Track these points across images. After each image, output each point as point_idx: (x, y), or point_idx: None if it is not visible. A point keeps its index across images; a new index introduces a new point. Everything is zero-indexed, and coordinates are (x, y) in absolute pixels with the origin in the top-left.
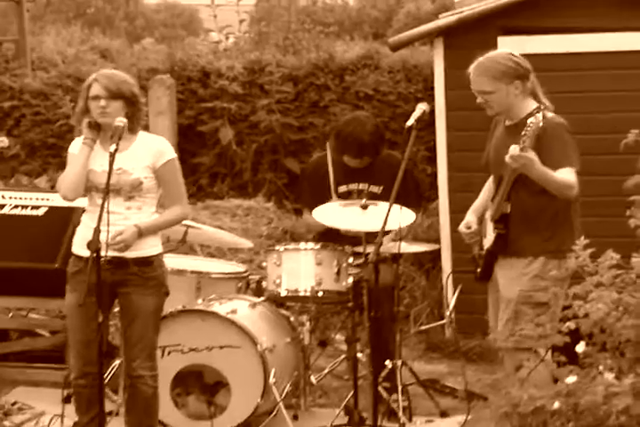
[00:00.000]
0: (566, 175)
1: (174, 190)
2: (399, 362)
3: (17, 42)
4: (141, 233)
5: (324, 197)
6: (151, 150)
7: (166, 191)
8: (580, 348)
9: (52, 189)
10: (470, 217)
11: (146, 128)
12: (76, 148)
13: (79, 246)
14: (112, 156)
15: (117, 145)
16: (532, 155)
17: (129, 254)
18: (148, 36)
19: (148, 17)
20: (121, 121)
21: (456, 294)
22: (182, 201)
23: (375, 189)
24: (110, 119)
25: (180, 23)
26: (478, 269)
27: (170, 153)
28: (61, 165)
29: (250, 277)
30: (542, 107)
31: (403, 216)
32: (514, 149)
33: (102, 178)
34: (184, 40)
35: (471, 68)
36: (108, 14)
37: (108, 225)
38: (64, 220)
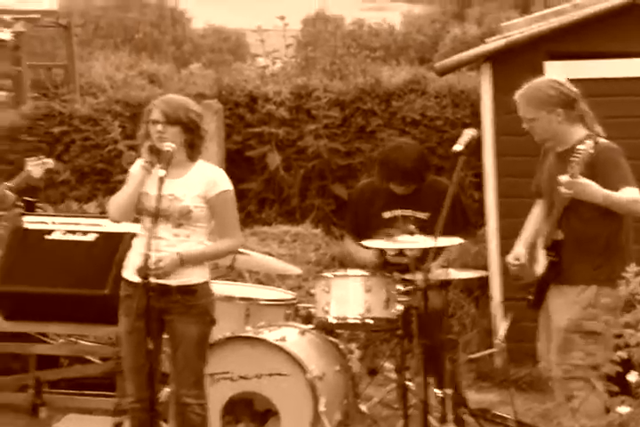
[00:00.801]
0: (630, 193)
1: (225, 222)
2: (450, 391)
3: (66, 67)
4: (183, 262)
5: (368, 224)
6: (205, 180)
7: (218, 222)
8: (633, 377)
9: (102, 214)
10: (519, 249)
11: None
12: (134, 168)
13: (128, 271)
14: (160, 181)
15: (166, 170)
16: (584, 180)
17: (172, 282)
18: (195, 61)
19: (195, 42)
20: (169, 146)
21: (507, 323)
22: (234, 233)
23: (421, 215)
24: (171, 145)
25: (227, 48)
26: (530, 297)
27: (224, 184)
28: (110, 191)
29: (299, 304)
30: (593, 134)
31: (450, 242)
32: (564, 178)
33: (153, 202)
34: (231, 65)
35: (516, 95)
36: (156, 39)
37: (151, 249)
38: (113, 245)
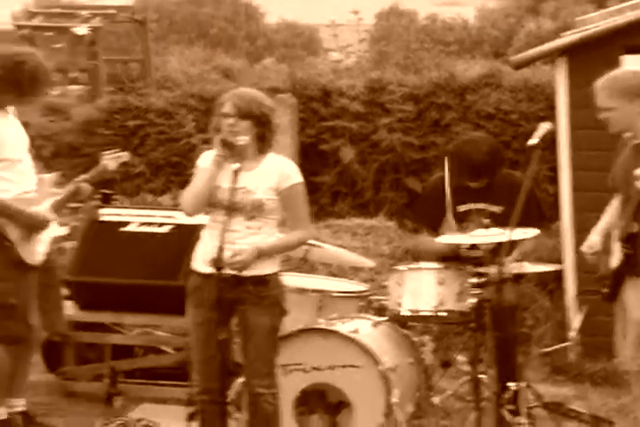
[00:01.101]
0: None
1: (297, 214)
2: (523, 384)
3: (142, 62)
4: (260, 254)
5: (441, 217)
6: (277, 172)
7: (289, 214)
8: None
9: (176, 206)
10: (594, 237)
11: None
12: (204, 162)
13: (198, 262)
14: (235, 174)
15: (240, 163)
16: None
17: (245, 273)
18: (268, 56)
19: (268, 37)
20: (243, 139)
21: (582, 316)
22: (305, 225)
23: (495, 208)
24: (244, 140)
25: (300, 43)
26: (605, 290)
27: (296, 177)
28: (185, 184)
29: (371, 296)
30: None
31: (525, 235)
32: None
33: (226, 194)
34: (304, 60)
35: (596, 84)
36: (230, 34)
37: (225, 242)
38: (187, 237)
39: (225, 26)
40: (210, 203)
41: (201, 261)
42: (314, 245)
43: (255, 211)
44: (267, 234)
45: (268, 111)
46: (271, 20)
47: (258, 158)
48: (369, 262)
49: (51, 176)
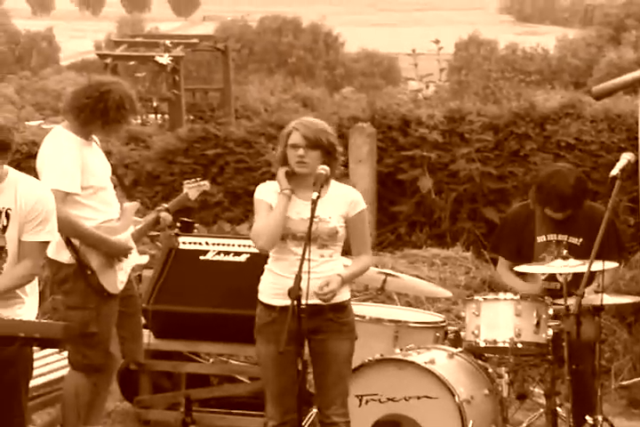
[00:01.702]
0: None
1: (363, 240)
2: (600, 417)
3: (222, 91)
4: (343, 282)
5: (521, 248)
6: (346, 200)
7: (355, 240)
8: None
9: None
10: None
11: (345, 176)
12: (263, 194)
13: (268, 295)
14: (314, 203)
15: (319, 193)
16: None
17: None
18: (347, 85)
19: (347, 66)
20: (324, 169)
21: None
22: (368, 250)
23: (574, 240)
24: (307, 169)
25: (380, 72)
26: None
27: (362, 203)
28: None
29: (448, 327)
30: None
31: (604, 267)
32: None
33: (300, 225)
34: (383, 89)
35: None
36: (309, 63)
37: (302, 271)
38: (264, 266)
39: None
40: (282, 235)
41: (268, 293)
42: (391, 275)
43: (330, 239)
44: (337, 260)
45: (335, 140)
46: (350, 49)
47: (326, 188)
48: (446, 293)
49: (132, 204)
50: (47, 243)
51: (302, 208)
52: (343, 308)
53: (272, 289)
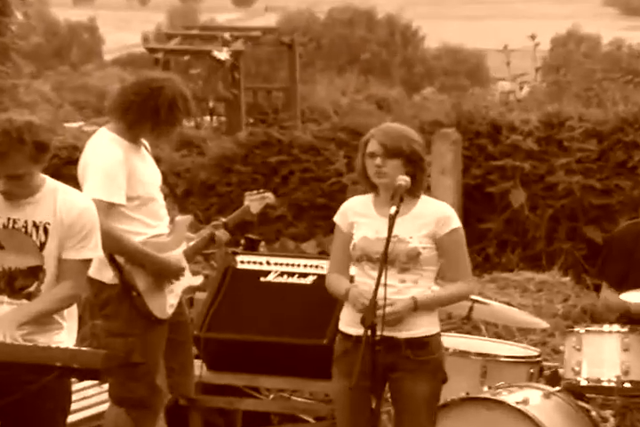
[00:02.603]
0: None
1: (457, 264)
2: None
3: (287, 90)
4: (417, 307)
5: (630, 273)
6: (433, 217)
7: (448, 264)
8: None
9: (321, 254)
10: None
11: (427, 188)
12: (342, 216)
13: (345, 323)
14: (392, 219)
15: (398, 207)
16: None
17: (400, 334)
18: (427, 85)
19: (427, 63)
20: (403, 180)
21: None
22: (466, 276)
23: None
24: (386, 179)
25: (464, 70)
26: None
27: (455, 221)
28: (332, 229)
29: (543, 362)
30: None
31: None
32: None
33: (376, 246)
34: (469, 90)
35: None
36: (384, 60)
37: (376, 297)
38: None
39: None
40: (356, 256)
41: (349, 321)
42: (478, 302)
43: (411, 262)
44: (424, 288)
45: (419, 148)
46: (431, 44)
47: (409, 202)
48: (541, 323)
49: (184, 218)
50: (90, 261)
51: (381, 226)
52: (423, 344)
53: (350, 316)
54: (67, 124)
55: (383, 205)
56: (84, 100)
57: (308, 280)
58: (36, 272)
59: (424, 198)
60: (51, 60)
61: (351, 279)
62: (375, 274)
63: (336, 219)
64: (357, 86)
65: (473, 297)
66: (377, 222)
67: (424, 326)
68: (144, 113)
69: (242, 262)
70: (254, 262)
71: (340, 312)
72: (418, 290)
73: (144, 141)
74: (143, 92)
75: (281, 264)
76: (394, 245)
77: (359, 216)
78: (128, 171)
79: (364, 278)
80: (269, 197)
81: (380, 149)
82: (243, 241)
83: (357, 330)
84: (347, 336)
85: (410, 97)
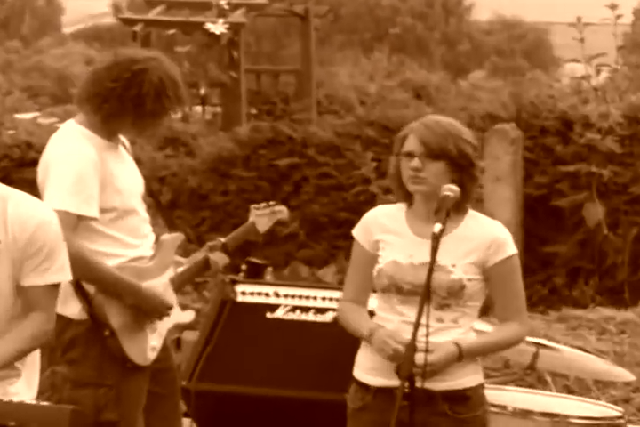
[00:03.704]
0: None
1: (511, 299)
2: None
3: (298, 73)
4: (461, 355)
5: None
6: (484, 240)
7: (499, 300)
8: None
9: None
10: None
11: (477, 200)
12: (362, 230)
13: (364, 370)
14: (436, 240)
15: (444, 225)
16: None
17: (436, 386)
18: (476, 68)
19: (475, 40)
20: (451, 190)
21: None
22: (520, 315)
23: None
24: (424, 187)
25: (523, 49)
26: None
27: (511, 247)
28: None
29: (627, 425)
30: None
31: None
32: None
33: (409, 274)
34: (528, 73)
35: None
36: (420, 35)
37: (427, 344)
38: None
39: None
40: (382, 286)
41: (368, 368)
42: (544, 347)
43: (452, 297)
44: (465, 329)
45: (469, 149)
46: (480, 15)
47: (453, 219)
48: (624, 374)
49: (172, 236)
50: (58, 286)
51: (415, 248)
52: (464, 398)
53: (370, 361)
54: (17, 116)
55: (418, 219)
56: (39, 84)
57: (327, 317)
58: None
59: (472, 214)
60: None
61: (370, 313)
62: (404, 310)
63: (356, 233)
64: (388, 69)
65: (536, 340)
66: (410, 243)
67: (466, 376)
68: (124, 103)
69: (243, 294)
70: (259, 294)
71: None
72: (458, 331)
73: (122, 138)
74: (122, 77)
75: (292, 296)
76: (434, 275)
77: (387, 233)
78: (102, 175)
79: (389, 314)
80: (282, 211)
81: (420, 148)
82: (244, 266)
83: (379, 380)
84: (364, 387)
85: (455, 83)
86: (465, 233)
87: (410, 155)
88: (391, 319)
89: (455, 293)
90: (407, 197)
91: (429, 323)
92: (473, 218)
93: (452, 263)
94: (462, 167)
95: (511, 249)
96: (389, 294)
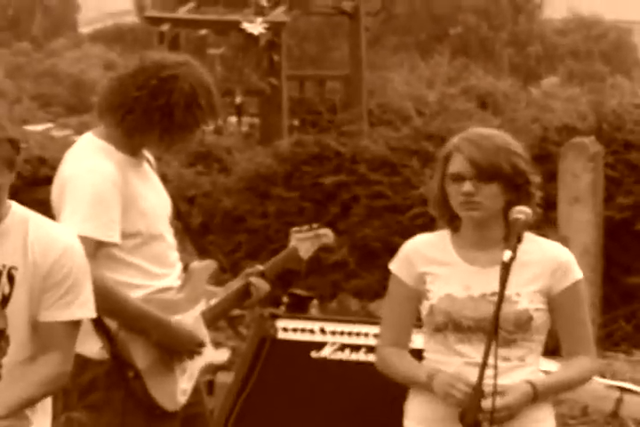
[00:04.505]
0: None
1: (580, 329)
2: None
3: (347, 79)
4: (537, 396)
5: None
6: (549, 264)
7: (567, 330)
8: None
9: None
10: None
11: (549, 223)
12: (402, 263)
13: (416, 420)
14: (506, 269)
15: (515, 252)
16: None
17: None
18: (548, 73)
19: (547, 41)
20: (521, 212)
21: None
22: (589, 347)
23: None
24: (480, 213)
25: (602, 51)
26: None
27: (577, 270)
28: None
29: None
30: None
31: None
32: None
33: (466, 308)
34: (607, 80)
35: None
36: (485, 36)
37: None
38: None
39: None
40: (434, 324)
41: (420, 417)
42: (628, 392)
43: (519, 331)
44: (533, 367)
45: (523, 164)
46: (553, 13)
47: (509, 243)
48: None
49: (203, 264)
50: (80, 323)
51: (471, 278)
52: None
53: (421, 410)
54: (28, 127)
55: (468, 246)
56: (52, 92)
57: None
58: None
59: (529, 237)
60: (3, 33)
61: (418, 354)
62: (465, 349)
63: (394, 267)
64: (449, 74)
65: (620, 384)
66: (464, 273)
67: (540, 421)
68: (150, 114)
69: (284, 330)
70: (302, 330)
71: None
72: (527, 371)
73: (147, 154)
74: (149, 84)
75: (341, 333)
76: (494, 306)
77: (434, 264)
78: (124, 196)
79: (446, 356)
80: (327, 235)
81: (470, 170)
82: (286, 299)
83: None
84: None
85: (526, 90)
86: (525, 258)
87: (459, 177)
88: (450, 362)
89: (522, 325)
90: (451, 222)
91: (497, 362)
92: (531, 241)
93: (516, 292)
94: (518, 186)
95: (578, 273)
96: (445, 332)
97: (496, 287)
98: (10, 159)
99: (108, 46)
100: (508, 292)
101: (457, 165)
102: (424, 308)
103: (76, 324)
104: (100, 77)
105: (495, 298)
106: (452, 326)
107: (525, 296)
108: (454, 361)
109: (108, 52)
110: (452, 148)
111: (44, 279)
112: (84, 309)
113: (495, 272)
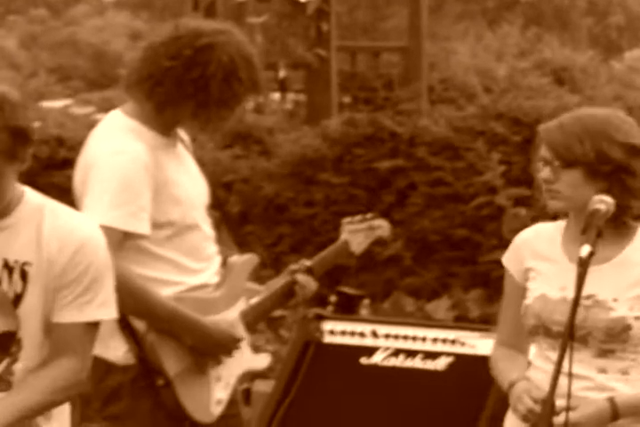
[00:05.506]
0: None
1: None
2: None
3: (405, 51)
4: (617, 415)
5: None
6: None
7: None
8: None
9: (460, 321)
10: None
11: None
12: (514, 257)
13: None
14: (583, 266)
15: (594, 247)
16: None
17: None
18: (632, 46)
19: (630, 10)
20: (602, 201)
21: None
22: None
23: None
24: (559, 203)
25: None
26: None
27: None
28: (478, 279)
29: None
30: None
31: None
32: None
33: (558, 311)
34: None
35: None
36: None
37: (569, 397)
38: (483, 381)
39: None
40: (527, 327)
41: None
42: None
43: (615, 340)
44: (637, 384)
45: (618, 152)
46: None
47: (615, 241)
48: None
49: (243, 259)
50: (98, 325)
51: (569, 278)
52: None
53: (509, 421)
54: (44, 103)
55: (573, 240)
56: (71, 64)
57: (439, 364)
58: (5, 343)
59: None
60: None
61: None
62: (555, 357)
63: (505, 259)
64: (521, 46)
65: None
66: (563, 272)
67: None
68: (183, 87)
69: (331, 333)
70: (352, 333)
71: (489, 418)
72: (628, 386)
73: (182, 134)
74: (183, 54)
75: (395, 337)
76: (587, 312)
77: (539, 259)
78: (155, 181)
79: (544, 364)
80: (382, 227)
81: (549, 155)
82: (334, 298)
83: None
84: None
85: (606, 64)
86: (630, 259)
87: (542, 161)
88: (546, 370)
89: (617, 335)
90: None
91: (590, 374)
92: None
93: (614, 297)
94: (608, 175)
95: None
96: (537, 337)
97: (592, 289)
98: (11, 150)
99: (134, 14)
100: (603, 296)
101: (542, 149)
102: (522, 308)
103: (94, 326)
104: (124, 48)
105: (589, 302)
106: (543, 330)
107: (625, 302)
108: (547, 368)
109: (133, 20)
110: (542, 131)
111: (60, 276)
112: (104, 309)
113: (596, 271)
